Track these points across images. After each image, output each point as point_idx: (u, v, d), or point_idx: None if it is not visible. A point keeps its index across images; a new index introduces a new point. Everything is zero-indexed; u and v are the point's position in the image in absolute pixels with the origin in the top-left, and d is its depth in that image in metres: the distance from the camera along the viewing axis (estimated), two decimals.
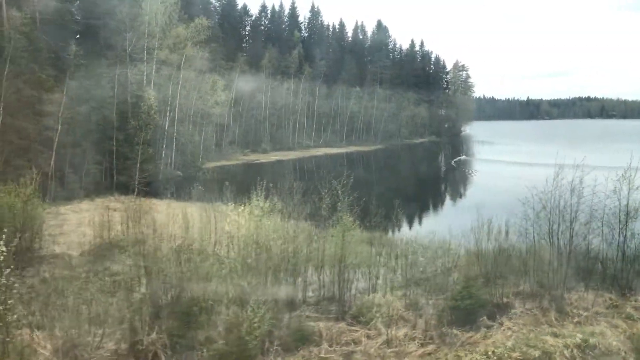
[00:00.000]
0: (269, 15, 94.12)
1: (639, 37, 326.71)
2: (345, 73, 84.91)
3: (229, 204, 29.25)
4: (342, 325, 10.90)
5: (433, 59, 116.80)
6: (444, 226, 17.49)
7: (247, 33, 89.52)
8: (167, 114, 41.50)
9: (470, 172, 58.70)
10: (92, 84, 31.62)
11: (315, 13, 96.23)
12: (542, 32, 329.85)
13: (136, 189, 30.42)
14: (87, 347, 9.43)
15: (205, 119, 48.81)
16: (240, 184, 41.28)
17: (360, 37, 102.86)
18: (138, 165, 32.46)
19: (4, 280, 7.85)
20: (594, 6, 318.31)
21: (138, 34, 37.95)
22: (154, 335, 9.61)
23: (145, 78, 37.10)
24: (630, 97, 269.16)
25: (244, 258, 12.44)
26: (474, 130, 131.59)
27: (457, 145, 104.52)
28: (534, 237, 12.63)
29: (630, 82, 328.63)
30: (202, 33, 43.54)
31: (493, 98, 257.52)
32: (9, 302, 8.24)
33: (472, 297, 10.69)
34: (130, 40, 36.28)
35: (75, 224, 23.20)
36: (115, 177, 33.88)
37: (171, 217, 24.63)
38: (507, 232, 13.16)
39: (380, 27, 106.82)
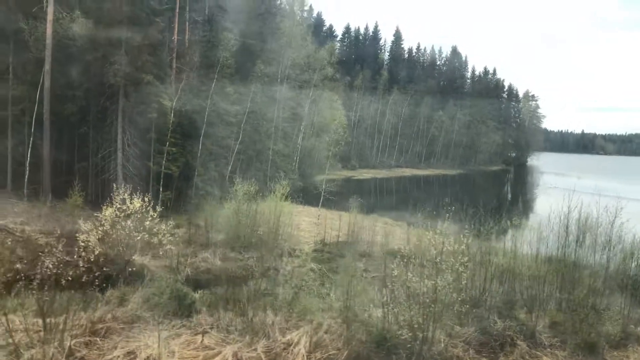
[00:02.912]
0: (352, 37, 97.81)
1: None
2: (429, 97, 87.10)
3: (385, 217, 31.80)
4: None
5: (506, 88, 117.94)
6: None
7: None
8: (301, 129, 44.71)
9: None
10: (265, 101, 34.93)
11: (398, 36, 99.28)
12: (599, 65, 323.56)
13: (321, 197, 33.23)
14: None
15: (320, 135, 51.84)
16: (368, 199, 43.78)
17: (438, 62, 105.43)
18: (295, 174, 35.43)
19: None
20: None
21: (283, 59, 41.43)
22: None
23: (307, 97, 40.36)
24: None
25: None
26: (535, 161, 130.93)
27: (528, 174, 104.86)
28: None
29: None
30: (334, 55, 46.75)
31: (545, 129, 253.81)
32: None
33: None
34: (283, 64, 39.72)
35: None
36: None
37: (346, 224, 27.45)
38: None
39: (455, 52, 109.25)
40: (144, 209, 17.96)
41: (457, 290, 11.08)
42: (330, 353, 10.68)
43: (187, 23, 33.11)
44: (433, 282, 10.78)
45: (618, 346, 12.49)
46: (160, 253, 17.66)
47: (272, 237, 21.86)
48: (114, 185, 23.62)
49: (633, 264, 14.89)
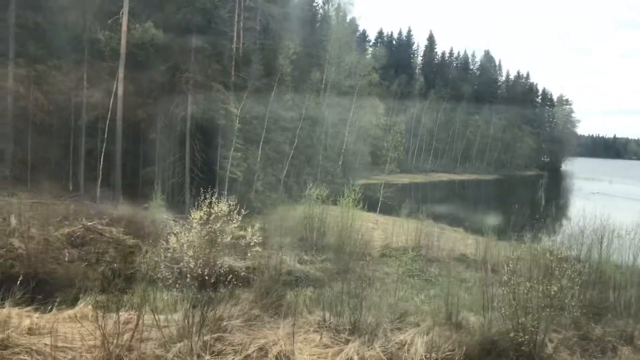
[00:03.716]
0: (385, 42, 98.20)
1: None
2: (464, 101, 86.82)
3: (440, 222, 32.07)
4: None
5: (540, 92, 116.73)
6: None
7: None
8: (346, 134, 45.36)
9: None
10: (315, 107, 35.73)
11: (431, 41, 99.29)
12: (630, 66, 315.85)
13: (379, 203, 33.88)
14: None
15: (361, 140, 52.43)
16: (415, 204, 44.01)
17: (471, 66, 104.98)
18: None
19: None
20: None
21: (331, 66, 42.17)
22: None
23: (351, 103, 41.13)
24: None
25: None
26: (570, 166, 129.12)
27: (563, 180, 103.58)
28: None
29: None
30: (379, 61, 47.36)
31: (578, 134, 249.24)
32: None
33: None
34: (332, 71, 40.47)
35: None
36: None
37: (404, 229, 27.89)
38: None
39: (488, 56, 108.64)
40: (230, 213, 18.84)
41: (570, 296, 11.44)
42: (447, 354, 11.15)
43: (241, 32, 34.18)
44: (548, 287, 11.15)
45: None
46: (249, 254, 18.40)
47: (342, 241, 22.45)
48: (186, 189, 24.63)
49: None
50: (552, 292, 11.01)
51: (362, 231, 28.22)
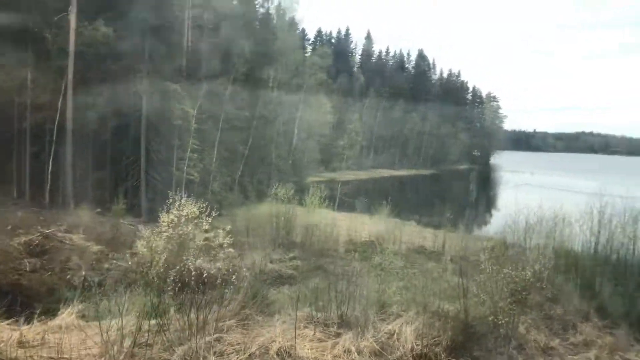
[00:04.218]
0: (324, 41, 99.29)
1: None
2: (401, 99, 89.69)
3: (392, 217, 33.49)
4: None
5: (470, 89, 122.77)
6: None
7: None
8: (295, 132, 45.81)
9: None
10: (266, 107, 35.88)
11: (369, 40, 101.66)
12: (548, 65, 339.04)
13: (337, 199, 34.38)
14: None
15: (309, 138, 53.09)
16: (365, 200, 45.09)
17: (407, 65, 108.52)
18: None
19: None
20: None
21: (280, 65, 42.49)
22: None
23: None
24: (635, 135, 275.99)
25: None
26: (497, 159, 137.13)
27: (493, 172, 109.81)
28: None
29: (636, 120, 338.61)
30: (325, 60, 48.17)
31: (505, 129, 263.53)
32: None
33: None
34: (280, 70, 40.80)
35: None
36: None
37: (360, 224, 28.90)
38: None
39: (421, 55, 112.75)
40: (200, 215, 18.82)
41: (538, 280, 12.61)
42: (434, 339, 11.94)
43: (189, 30, 33.65)
44: (522, 272, 12.23)
45: None
46: (222, 256, 18.45)
47: (307, 239, 22.97)
48: (142, 192, 24.16)
49: None
50: (527, 277, 12.13)
51: (324, 228, 28.92)
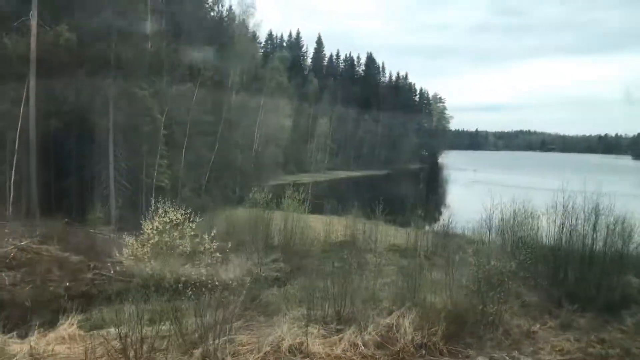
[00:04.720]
0: (276, 44, 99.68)
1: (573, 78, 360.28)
2: (354, 102, 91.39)
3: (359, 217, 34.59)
4: None
5: (417, 91, 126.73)
6: None
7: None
8: (256, 136, 46.00)
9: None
10: (231, 111, 35.95)
11: (320, 44, 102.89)
12: (488, 66, 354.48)
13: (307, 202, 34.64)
14: None
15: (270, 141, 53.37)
16: (329, 201, 45.86)
17: (357, 68, 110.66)
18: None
19: None
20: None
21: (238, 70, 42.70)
22: None
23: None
24: (568, 133, 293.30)
25: None
26: (445, 159, 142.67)
27: (441, 170, 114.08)
28: None
29: (569, 118, 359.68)
30: (283, 63, 48.61)
31: (450, 129, 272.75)
32: None
33: None
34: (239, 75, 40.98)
35: None
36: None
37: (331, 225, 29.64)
38: None
39: (370, 58, 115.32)
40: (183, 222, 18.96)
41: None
42: (431, 330, 12.76)
43: (149, 34, 33.24)
44: (509, 263, 13.27)
45: None
46: (209, 261, 18.67)
47: (285, 241, 23.41)
48: (111, 200, 23.87)
49: None
50: (513, 267, 13.21)
51: (299, 230, 29.36)
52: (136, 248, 18.08)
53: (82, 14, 25.79)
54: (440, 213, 44.01)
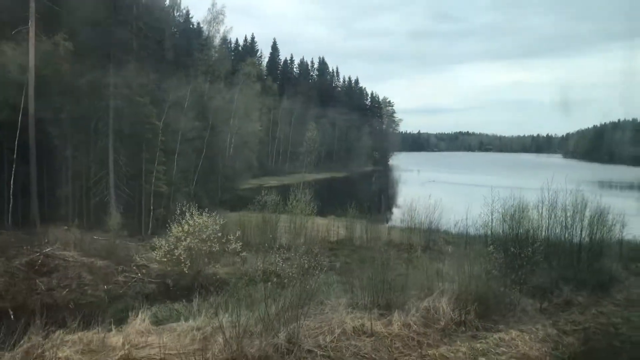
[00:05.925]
0: (231, 48, 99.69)
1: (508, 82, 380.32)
2: (312, 105, 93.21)
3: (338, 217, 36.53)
4: None
5: (369, 95, 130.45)
6: None
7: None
8: (232, 140, 46.76)
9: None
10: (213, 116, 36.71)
11: (275, 48, 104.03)
12: (428, 69, 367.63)
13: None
14: None
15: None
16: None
17: (311, 73, 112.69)
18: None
19: None
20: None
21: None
22: None
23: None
24: (504, 133, 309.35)
25: None
26: (395, 160, 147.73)
27: (392, 172, 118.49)
28: None
29: (505, 120, 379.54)
30: (255, 67, 49.59)
31: (398, 131, 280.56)
32: None
33: None
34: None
35: None
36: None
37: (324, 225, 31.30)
38: None
39: (323, 63, 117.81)
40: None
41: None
42: (466, 309, 14.68)
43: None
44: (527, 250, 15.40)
45: None
46: (238, 260, 19.82)
47: (292, 241, 24.84)
48: (112, 206, 24.47)
49: None
50: (529, 254, 15.40)
51: (296, 231, 30.75)
52: (165, 251, 18.86)
53: (82, 21, 25.92)
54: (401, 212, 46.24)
